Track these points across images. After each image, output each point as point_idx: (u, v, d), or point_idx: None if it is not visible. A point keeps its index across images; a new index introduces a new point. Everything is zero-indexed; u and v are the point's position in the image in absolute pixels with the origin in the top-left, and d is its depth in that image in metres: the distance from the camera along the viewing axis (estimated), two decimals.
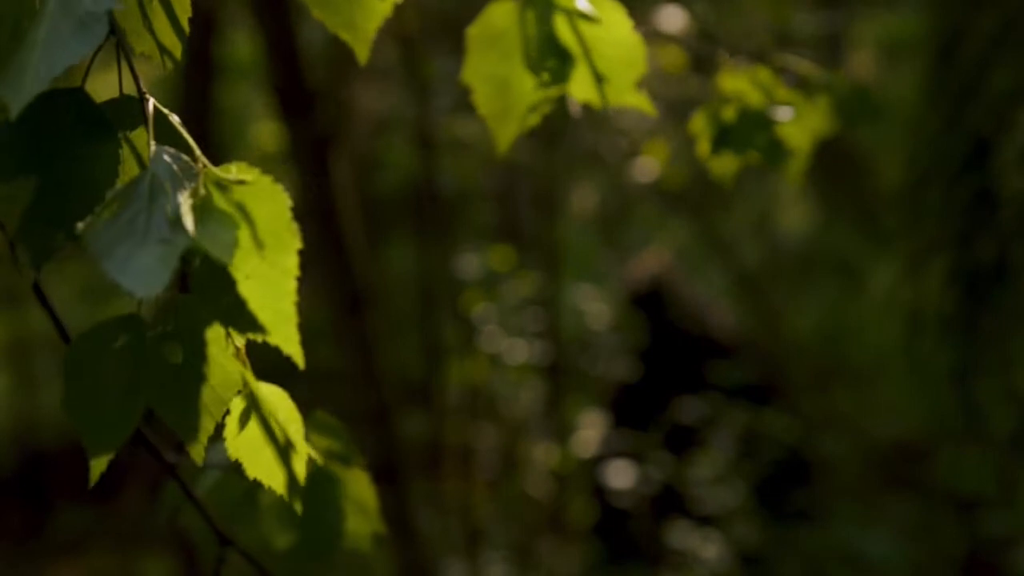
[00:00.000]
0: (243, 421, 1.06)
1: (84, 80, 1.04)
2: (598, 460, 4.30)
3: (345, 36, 1.35)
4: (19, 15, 0.98)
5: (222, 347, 1.01)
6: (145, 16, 1.08)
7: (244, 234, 0.96)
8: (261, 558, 1.47)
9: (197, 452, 1.02)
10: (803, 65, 1.84)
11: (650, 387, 4.55)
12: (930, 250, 3.12)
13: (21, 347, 5.81)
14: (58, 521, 5.73)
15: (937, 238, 3.07)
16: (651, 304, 4.81)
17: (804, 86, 1.81)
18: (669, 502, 4.21)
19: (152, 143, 0.96)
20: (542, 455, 4.33)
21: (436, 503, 4.19)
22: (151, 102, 1.00)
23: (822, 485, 4.76)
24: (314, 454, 1.08)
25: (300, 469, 1.11)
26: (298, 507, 1.11)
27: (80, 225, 0.91)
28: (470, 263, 4.07)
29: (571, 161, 4.67)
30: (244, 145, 5.01)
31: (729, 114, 1.75)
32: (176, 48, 1.10)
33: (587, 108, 1.53)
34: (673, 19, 2.64)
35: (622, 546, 4.42)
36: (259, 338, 1.00)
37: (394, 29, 3.84)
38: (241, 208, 0.96)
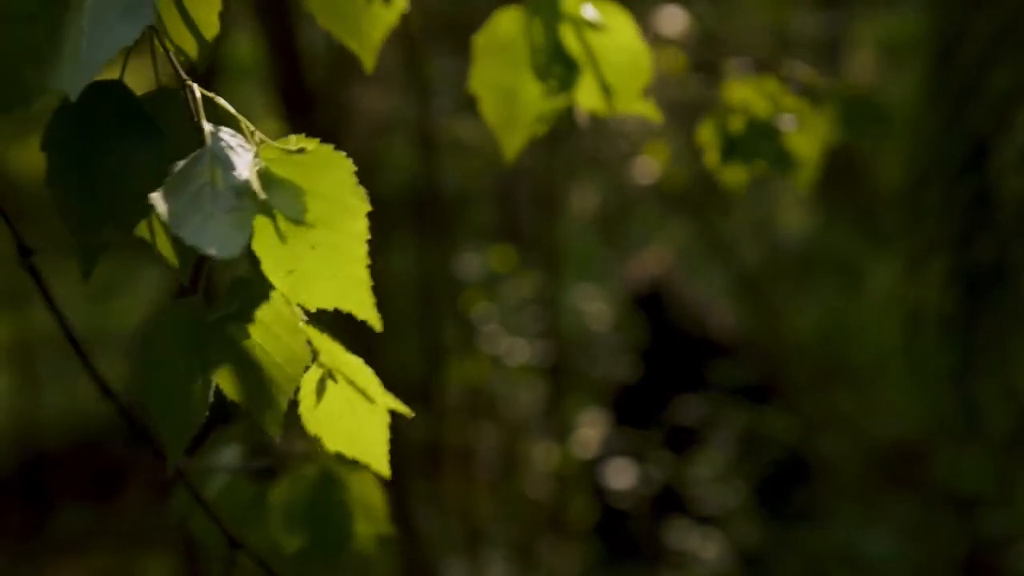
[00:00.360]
0: (319, 392, 1.06)
1: (123, 73, 1.05)
2: (598, 460, 4.31)
3: (351, 44, 1.36)
4: (53, 14, 0.99)
5: (287, 323, 1.00)
6: (181, 7, 1.08)
7: (310, 202, 0.96)
8: (270, 561, 1.47)
9: (273, 430, 1.01)
10: (809, 73, 1.85)
11: (650, 387, 4.55)
12: (930, 250, 3.13)
13: (23, 347, 5.81)
14: (59, 521, 5.74)
15: (937, 238, 3.08)
16: (651, 304, 4.81)
17: (810, 94, 1.82)
18: (669, 502, 4.21)
19: (206, 124, 0.96)
20: (542, 455, 4.34)
21: (436, 503, 4.19)
22: (197, 88, 1.00)
23: (822, 485, 4.76)
24: (401, 407, 1.07)
25: (385, 433, 1.09)
26: (386, 473, 1.09)
27: (152, 196, 0.91)
28: (470, 263, 4.07)
29: (571, 162, 4.68)
30: None
31: (737, 124, 1.76)
32: (206, 46, 1.11)
33: (589, 111, 1.53)
34: (673, 20, 2.65)
35: (622, 546, 4.43)
36: (331, 307, 0.99)
37: (396, 30, 3.84)
38: (303, 178, 0.96)
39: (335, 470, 1.61)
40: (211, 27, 1.11)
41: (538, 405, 4.38)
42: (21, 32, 1.00)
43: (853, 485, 4.87)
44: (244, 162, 0.94)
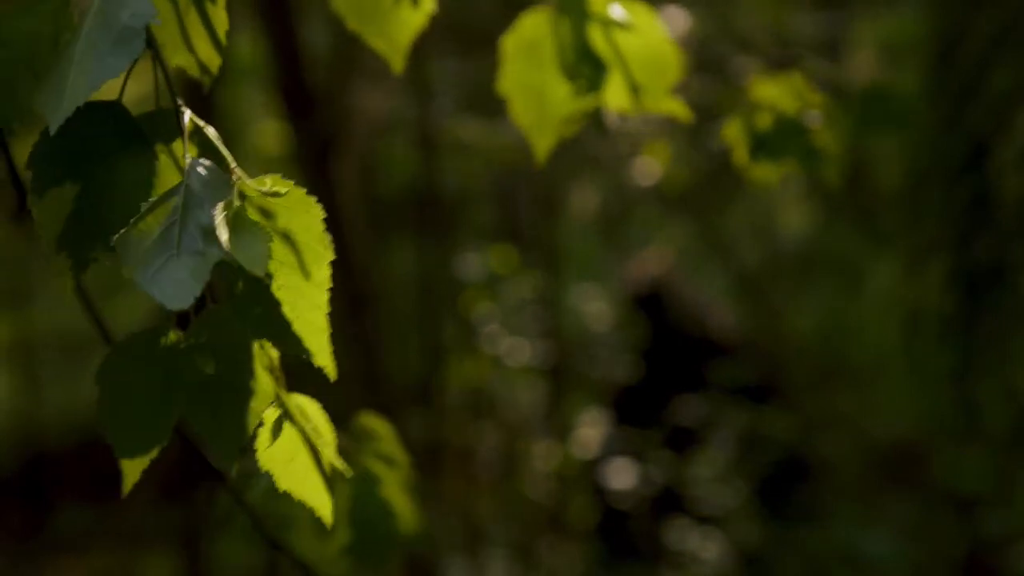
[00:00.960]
0: (275, 432, 1.07)
1: (121, 93, 1.05)
2: (599, 460, 4.31)
3: (380, 46, 1.36)
4: (58, 30, 0.99)
5: (255, 358, 1.02)
6: (182, 30, 1.09)
7: (277, 246, 0.97)
8: (311, 563, 1.48)
9: (227, 463, 1.03)
10: (830, 70, 1.86)
11: (651, 387, 4.56)
12: (930, 250, 3.13)
13: (24, 347, 5.82)
14: (59, 520, 5.74)
15: (937, 238, 3.08)
16: (651, 304, 4.82)
17: (833, 90, 1.83)
18: (669, 502, 4.21)
19: (187, 155, 0.97)
20: (543, 455, 4.34)
21: (437, 503, 4.20)
22: (187, 114, 1.01)
23: (822, 485, 4.76)
24: (340, 465, 1.08)
25: (326, 483, 1.11)
26: (328, 520, 1.11)
27: (114, 238, 0.92)
28: (471, 263, 4.08)
29: (572, 162, 4.68)
30: (245, 146, 5.02)
31: (764, 121, 1.76)
32: (213, 61, 1.11)
33: (618, 110, 1.54)
34: (674, 22, 2.65)
35: (622, 546, 4.43)
36: (291, 351, 1.01)
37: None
38: (274, 220, 0.97)
39: (374, 469, 1.62)
40: (215, 50, 1.11)
41: (538, 405, 4.38)
42: (23, 49, 1.01)
43: (853, 485, 4.87)
44: (218, 200, 0.94)
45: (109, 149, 1.02)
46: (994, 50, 2.85)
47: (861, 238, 5.08)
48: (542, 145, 1.52)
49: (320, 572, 1.49)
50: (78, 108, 0.94)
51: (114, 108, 1.04)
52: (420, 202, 4.49)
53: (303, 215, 0.98)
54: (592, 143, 4.42)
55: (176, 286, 0.90)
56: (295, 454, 1.09)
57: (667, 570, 4.21)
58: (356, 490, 1.61)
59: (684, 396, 4.37)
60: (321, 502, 1.11)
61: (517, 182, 4.81)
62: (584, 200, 5.04)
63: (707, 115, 2.24)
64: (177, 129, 1.02)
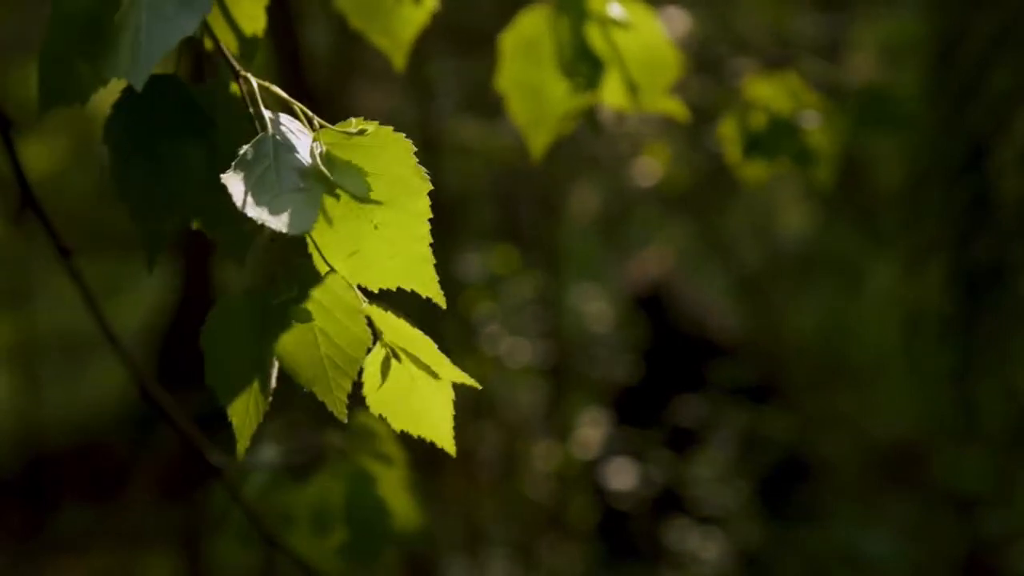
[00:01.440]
0: (384, 372, 1.06)
1: (177, 67, 1.06)
2: (599, 460, 4.31)
3: (383, 43, 1.37)
4: (105, 13, 1.00)
5: (347, 306, 1.01)
6: (224, 7, 1.10)
7: (373, 181, 0.97)
8: (307, 559, 1.48)
9: (339, 411, 1.01)
10: (828, 71, 1.86)
11: (651, 387, 4.56)
12: (930, 250, 3.14)
13: (25, 348, 5.82)
14: (59, 520, 5.74)
15: (937, 238, 3.09)
16: (652, 305, 4.82)
17: (829, 91, 1.83)
18: (670, 502, 4.22)
19: (265, 111, 0.98)
20: (543, 455, 4.34)
21: (438, 502, 4.20)
22: (252, 79, 1.01)
23: (822, 485, 4.77)
24: (468, 379, 1.07)
25: (449, 409, 1.08)
26: (451, 450, 1.09)
27: (224, 177, 0.92)
28: (472, 264, 4.08)
29: (572, 163, 4.68)
30: None
31: (758, 120, 1.76)
32: (255, 40, 1.12)
33: (615, 109, 1.54)
34: (674, 22, 2.66)
35: (623, 546, 4.44)
36: (394, 286, 1.00)
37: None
38: (364, 159, 0.97)
39: (370, 468, 1.62)
40: (257, 21, 1.12)
41: (539, 405, 4.38)
42: (77, 28, 1.02)
43: (853, 485, 4.87)
44: (305, 145, 0.95)
45: (172, 122, 1.04)
46: (993, 51, 2.86)
47: (861, 238, 5.09)
48: (539, 142, 1.53)
49: (316, 569, 1.49)
50: (146, 82, 0.95)
51: (172, 81, 1.06)
52: None
53: (393, 150, 0.98)
54: (592, 143, 4.42)
55: (293, 215, 0.91)
56: (407, 391, 1.08)
57: (667, 570, 4.21)
58: (352, 488, 1.62)
59: (684, 396, 4.37)
60: (442, 434, 1.09)
61: (517, 182, 4.81)
62: (584, 200, 5.05)
63: (707, 116, 2.25)
64: (231, 99, 1.03)
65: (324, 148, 0.97)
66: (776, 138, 1.74)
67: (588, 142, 4.46)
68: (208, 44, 1.06)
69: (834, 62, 5.08)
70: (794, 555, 4.44)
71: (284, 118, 0.98)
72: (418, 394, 1.08)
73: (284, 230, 0.90)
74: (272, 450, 1.65)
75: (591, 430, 4.46)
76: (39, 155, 5.60)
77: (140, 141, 1.03)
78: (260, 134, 0.97)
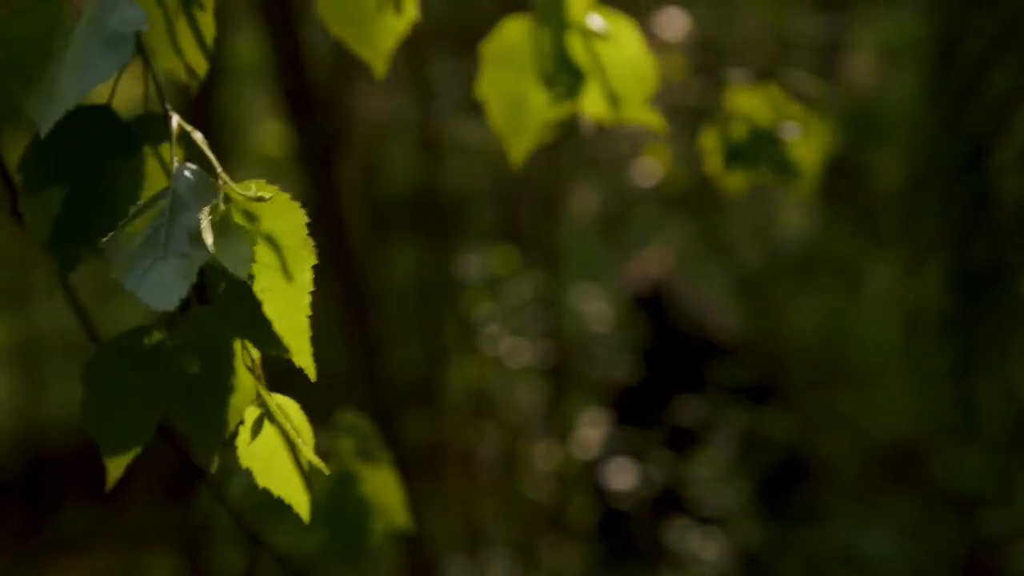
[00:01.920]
0: (255, 430, 1.09)
1: (111, 97, 1.07)
2: (599, 460, 4.32)
3: (363, 53, 1.38)
4: (49, 36, 1.01)
5: (237, 358, 1.04)
6: (171, 35, 1.10)
7: (261, 249, 0.99)
8: (291, 558, 1.49)
9: (210, 460, 1.05)
10: (810, 81, 1.87)
11: (651, 388, 4.56)
12: (929, 250, 3.14)
13: (26, 348, 5.83)
14: (61, 520, 5.75)
15: (936, 238, 3.09)
16: (652, 305, 4.83)
17: (811, 102, 1.84)
18: (670, 502, 4.22)
19: (175, 160, 0.99)
20: (543, 455, 4.35)
21: (439, 503, 4.21)
22: (175, 119, 1.02)
23: (822, 485, 4.77)
24: (318, 464, 1.10)
25: (304, 480, 1.13)
26: (305, 516, 1.14)
27: (103, 240, 0.94)
28: (472, 264, 4.09)
29: (572, 163, 4.69)
30: (246, 148, 5.03)
31: (739, 131, 1.78)
32: (201, 66, 1.13)
33: (595, 119, 1.55)
34: (674, 23, 2.66)
35: (623, 546, 4.44)
36: (273, 352, 1.03)
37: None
38: (259, 224, 0.99)
39: (354, 468, 1.64)
40: (208, 41, 1.13)
41: (539, 405, 4.39)
42: (17, 52, 1.03)
43: (853, 485, 4.88)
44: (204, 204, 0.96)
45: (99, 152, 1.04)
46: (993, 51, 2.86)
47: (861, 238, 5.09)
48: (518, 150, 1.55)
49: (300, 567, 1.50)
50: (69, 112, 0.96)
51: (104, 112, 1.06)
52: (421, 203, 4.49)
53: (287, 219, 1.00)
54: (593, 144, 4.43)
55: (162, 288, 0.92)
56: (275, 452, 1.11)
57: (667, 570, 4.22)
58: (335, 487, 1.64)
59: (684, 396, 4.38)
60: (299, 499, 1.13)
61: (517, 183, 4.82)
62: (584, 201, 5.05)
63: (707, 116, 2.25)
64: (166, 133, 1.03)
65: (223, 208, 0.98)
66: (756, 149, 1.75)
67: (588, 143, 4.46)
68: (149, 75, 1.07)
69: (834, 62, 5.09)
70: (794, 555, 4.45)
71: (190, 170, 0.98)
72: (284, 458, 1.11)
73: (148, 303, 0.91)
74: None
75: (591, 430, 4.47)
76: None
77: (59, 169, 1.04)
78: (161, 189, 0.98)
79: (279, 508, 1.55)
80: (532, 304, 4.21)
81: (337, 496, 1.62)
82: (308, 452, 1.09)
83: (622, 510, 4.28)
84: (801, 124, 1.78)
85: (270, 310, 1.01)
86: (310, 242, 1.01)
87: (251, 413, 1.08)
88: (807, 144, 1.78)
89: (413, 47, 4.05)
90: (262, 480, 1.11)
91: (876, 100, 4.58)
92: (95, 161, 1.05)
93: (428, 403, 4.31)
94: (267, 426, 1.10)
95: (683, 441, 4.28)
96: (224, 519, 1.58)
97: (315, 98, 3.23)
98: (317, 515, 1.60)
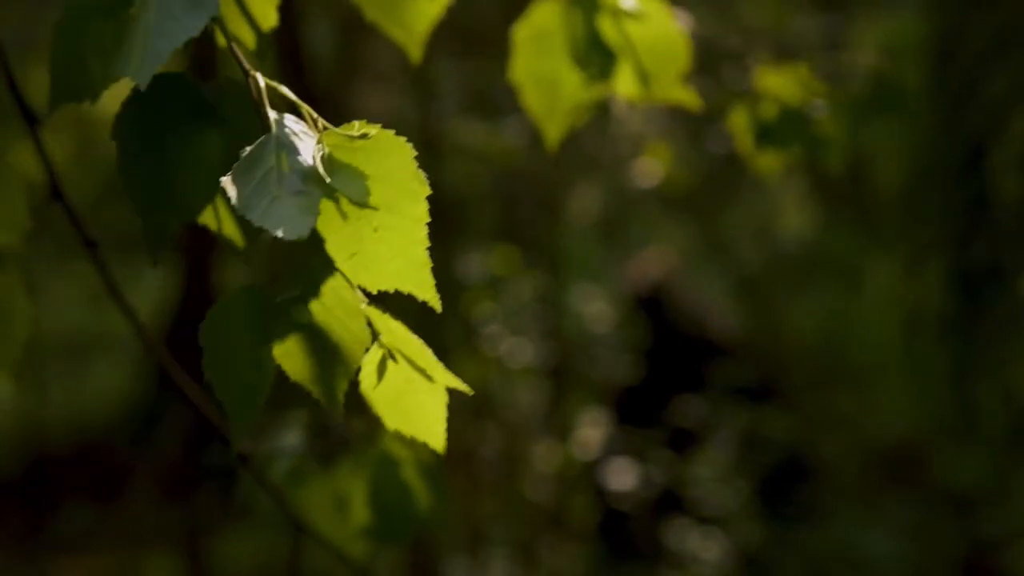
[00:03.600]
0: (380, 372, 1.08)
1: (187, 65, 1.08)
2: (599, 461, 4.32)
3: (398, 36, 1.38)
4: (120, 11, 1.01)
5: (348, 306, 1.02)
6: (240, 3, 1.11)
7: (373, 185, 0.98)
8: (334, 543, 1.49)
9: (335, 409, 1.03)
10: (833, 62, 1.88)
11: (651, 388, 4.57)
12: (929, 251, 3.14)
13: (26, 348, 5.82)
14: (61, 520, 5.75)
15: (936, 239, 3.10)
16: (652, 305, 4.83)
17: (836, 81, 1.85)
18: (670, 502, 4.22)
19: (271, 111, 0.99)
20: (544, 456, 4.35)
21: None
22: (260, 77, 1.03)
23: (822, 485, 4.77)
24: (461, 385, 1.09)
25: (443, 411, 1.10)
26: (441, 451, 1.11)
27: (224, 180, 0.94)
28: (473, 264, 4.09)
29: (573, 164, 4.69)
30: None
31: (769, 111, 1.78)
32: (268, 38, 1.13)
33: (628, 98, 1.55)
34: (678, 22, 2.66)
35: (623, 546, 4.44)
36: (392, 288, 1.02)
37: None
38: (366, 162, 0.99)
39: (395, 452, 1.63)
40: (268, 19, 1.14)
41: (539, 406, 4.39)
42: (89, 26, 1.03)
43: (853, 485, 4.88)
44: (308, 147, 0.97)
45: (181, 120, 1.05)
46: (992, 52, 2.86)
47: (861, 238, 5.10)
48: (553, 132, 1.55)
49: (343, 553, 1.50)
50: (152, 79, 0.96)
51: (181, 79, 1.07)
52: None
53: (394, 155, 1.00)
54: (594, 144, 4.43)
55: (290, 220, 0.92)
56: (402, 392, 1.09)
57: (667, 570, 4.22)
58: (377, 473, 1.63)
59: (685, 397, 4.38)
60: (435, 437, 1.11)
61: (518, 183, 4.82)
62: (585, 201, 5.05)
63: (708, 116, 2.26)
64: (243, 97, 1.04)
65: (327, 151, 0.98)
66: (787, 128, 1.75)
67: (589, 143, 4.47)
68: (221, 41, 1.08)
69: (833, 62, 5.08)
70: (794, 555, 4.45)
71: (289, 119, 1.00)
72: (413, 396, 1.10)
73: (280, 235, 0.91)
74: (296, 436, 1.67)
75: (591, 430, 4.47)
76: (59, 146, 5.61)
77: (148, 138, 1.05)
78: (264, 135, 0.98)
79: (319, 493, 1.55)
80: (532, 304, 4.21)
81: (379, 481, 1.62)
82: (442, 383, 1.07)
83: (622, 510, 4.28)
84: (827, 102, 1.78)
85: (385, 248, 1.00)
86: (420, 175, 1.00)
87: (372, 355, 1.06)
88: (833, 121, 1.79)
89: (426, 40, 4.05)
90: (392, 422, 1.10)
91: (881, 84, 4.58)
92: (177, 130, 1.05)
93: None
94: (392, 367, 1.08)
95: (683, 441, 4.28)
96: (265, 505, 1.58)
97: (316, 98, 3.23)
98: (359, 499, 1.60)
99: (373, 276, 1.02)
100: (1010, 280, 2.87)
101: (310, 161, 0.96)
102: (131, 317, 1.20)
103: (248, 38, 1.15)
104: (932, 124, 3.09)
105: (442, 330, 4.29)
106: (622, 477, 4.19)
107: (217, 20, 1.03)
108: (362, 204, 0.97)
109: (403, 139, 1.00)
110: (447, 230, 4.39)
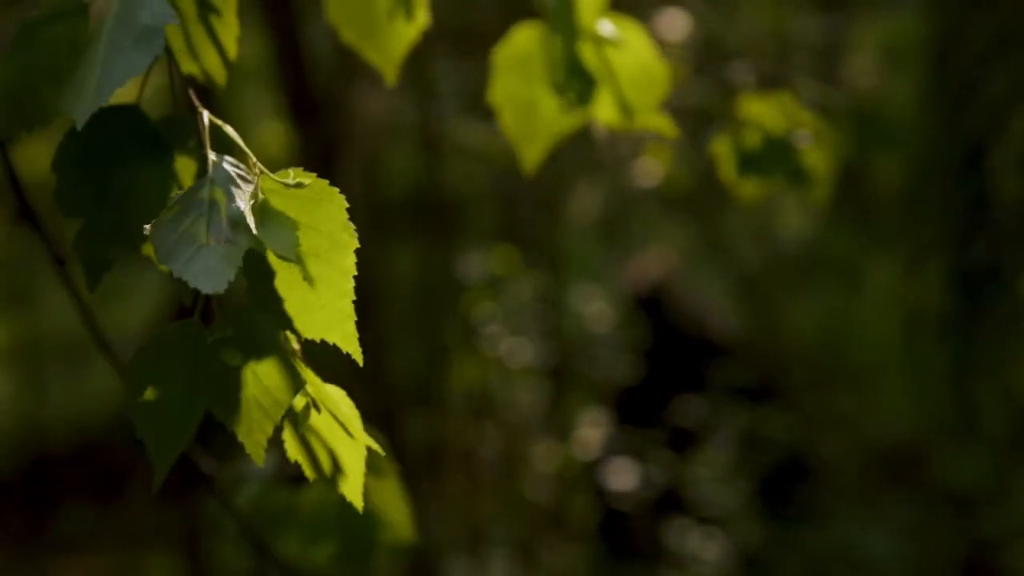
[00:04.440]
0: (303, 421, 1.09)
1: (139, 97, 1.08)
2: (599, 461, 4.32)
3: (374, 59, 1.38)
4: (77, 36, 1.02)
5: (280, 350, 1.04)
6: (188, 39, 1.11)
7: (303, 235, 0.99)
8: (299, 569, 1.50)
9: (257, 455, 1.04)
10: (820, 89, 1.87)
11: (651, 388, 4.57)
12: (929, 251, 3.15)
13: (27, 349, 5.83)
14: (61, 521, 5.76)
15: (936, 239, 3.10)
16: (652, 305, 4.83)
17: (822, 109, 1.84)
18: (670, 503, 4.23)
19: (210, 153, 0.99)
20: (544, 456, 4.35)
21: (439, 503, 4.21)
22: (206, 115, 1.03)
23: (822, 485, 4.78)
24: (376, 446, 1.10)
25: (361, 468, 1.12)
26: (360, 507, 1.13)
27: (146, 227, 0.94)
28: (473, 264, 4.09)
29: (573, 164, 4.69)
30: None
31: (752, 139, 1.78)
32: (219, 71, 1.14)
33: (606, 125, 1.55)
34: (675, 24, 2.66)
35: (623, 546, 4.44)
36: (318, 338, 1.03)
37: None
38: (298, 211, 1.00)
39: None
40: (230, 50, 1.14)
41: (539, 406, 4.39)
42: (44, 53, 1.03)
43: (853, 485, 4.88)
44: (244, 193, 0.97)
45: (128, 152, 1.05)
46: (992, 53, 2.87)
47: (861, 238, 5.10)
48: (531, 157, 1.55)
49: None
50: (99, 111, 0.97)
51: (132, 111, 1.07)
52: (422, 203, 4.50)
53: (327, 205, 1.01)
54: (593, 145, 4.43)
55: (210, 273, 0.92)
56: (323, 444, 1.10)
57: (668, 570, 4.22)
58: (343, 498, 1.63)
59: (685, 397, 4.38)
60: (353, 490, 1.12)
61: (518, 184, 4.82)
62: (585, 201, 5.06)
63: (708, 117, 2.26)
64: (193, 131, 1.04)
65: (262, 197, 0.99)
66: (770, 157, 1.75)
67: (589, 143, 4.47)
68: (175, 73, 1.08)
69: (834, 63, 5.09)
70: (794, 555, 4.45)
71: (228, 161, 1.00)
72: (334, 447, 1.10)
73: (196, 287, 0.92)
74: (265, 460, 1.67)
75: (591, 430, 4.47)
76: (39, 157, 5.60)
77: (91, 169, 1.05)
78: (199, 180, 0.98)
79: (285, 518, 1.55)
80: (532, 304, 4.21)
81: (345, 506, 1.63)
82: (360, 440, 1.08)
83: (622, 510, 4.28)
84: (813, 132, 1.77)
85: (314, 297, 1.01)
86: (351, 227, 1.01)
87: (298, 403, 1.07)
88: (820, 151, 1.78)
89: (414, 48, 4.05)
90: (311, 472, 1.11)
91: (876, 101, 4.59)
92: (124, 161, 1.06)
93: (428, 403, 4.32)
94: (315, 417, 1.09)
95: (683, 441, 4.28)
96: (232, 528, 1.58)
97: (316, 99, 3.23)
98: (327, 526, 1.61)
99: (302, 324, 1.04)
100: (1010, 280, 2.87)
101: (243, 207, 0.96)
102: (96, 333, 1.21)
103: (214, 66, 1.15)
104: (932, 124, 3.09)
105: (442, 330, 4.29)
106: (622, 477, 4.19)
107: (169, 53, 1.03)
108: (286, 259, 0.97)
109: (335, 190, 1.01)
110: (447, 230, 4.39)
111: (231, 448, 1.08)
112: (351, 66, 3.92)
